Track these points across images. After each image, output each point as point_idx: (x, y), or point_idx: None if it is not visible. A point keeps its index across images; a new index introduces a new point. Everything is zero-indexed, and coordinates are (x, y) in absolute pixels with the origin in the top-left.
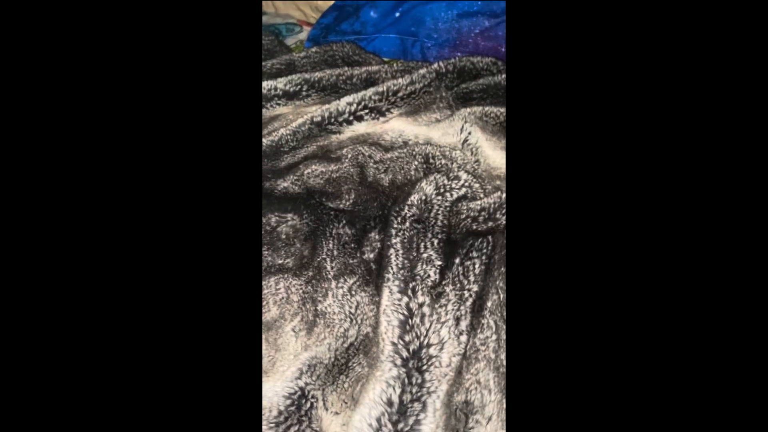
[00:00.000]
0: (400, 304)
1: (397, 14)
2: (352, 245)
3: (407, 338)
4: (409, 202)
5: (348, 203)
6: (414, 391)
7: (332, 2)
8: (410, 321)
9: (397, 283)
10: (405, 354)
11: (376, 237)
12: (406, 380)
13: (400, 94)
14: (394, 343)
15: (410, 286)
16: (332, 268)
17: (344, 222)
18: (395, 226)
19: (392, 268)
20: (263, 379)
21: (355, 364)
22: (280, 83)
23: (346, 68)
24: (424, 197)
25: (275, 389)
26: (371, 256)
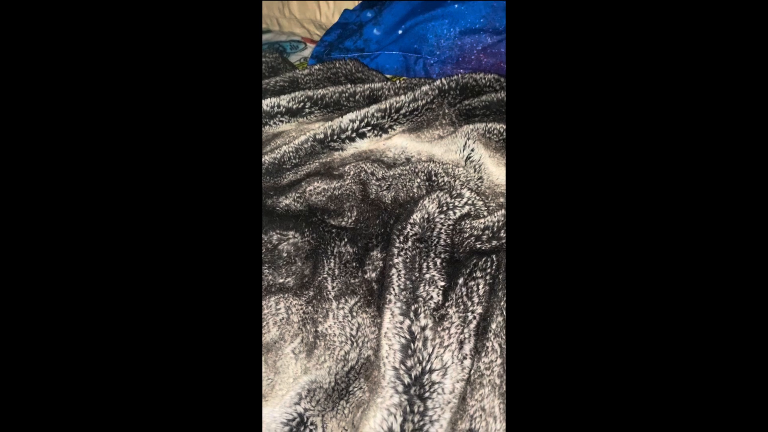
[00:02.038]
0: (401, 327)
1: (400, 31)
2: (354, 264)
3: (409, 363)
4: (411, 221)
5: (350, 221)
6: (416, 420)
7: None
8: (412, 345)
9: (398, 304)
10: (407, 380)
11: (378, 256)
12: (408, 408)
13: (402, 111)
14: (395, 368)
15: (412, 308)
16: (333, 287)
17: (346, 240)
18: (397, 245)
19: (394, 289)
20: (261, 404)
21: (355, 389)
22: (283, 100)
23: (349, 85)
24: (426, 215)
25: (273, 415)
26: (373, 275)
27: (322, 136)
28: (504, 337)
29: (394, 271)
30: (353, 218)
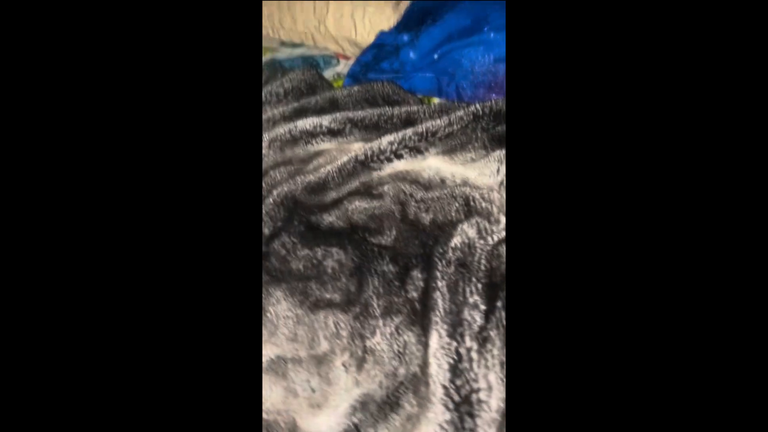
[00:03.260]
0: (449, 348)
1: (436, 56)
2: (397, 283)
3: (458, 382)
4: (452, 245)
5: (389, 240)
6: None
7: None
8: (460, 365)
9: (445, 326)
10: (456, 398)
11: (419, 276)
12: (459, 424)
13: (438, 135)
14: (445, 387)
15: (458, 330)
16: (379, 305)
17: (388, 259)
18: (440, 268)
19: (439, 312)
20: (315, 413)
21: (405, 403)
22: (325, 120)
23: (386, 108)
24: (467, 240)
25: (329, 424)
26: (415, 295)
27: (363, 157)
28: None
29: (438, 294)
30: (392, 237)
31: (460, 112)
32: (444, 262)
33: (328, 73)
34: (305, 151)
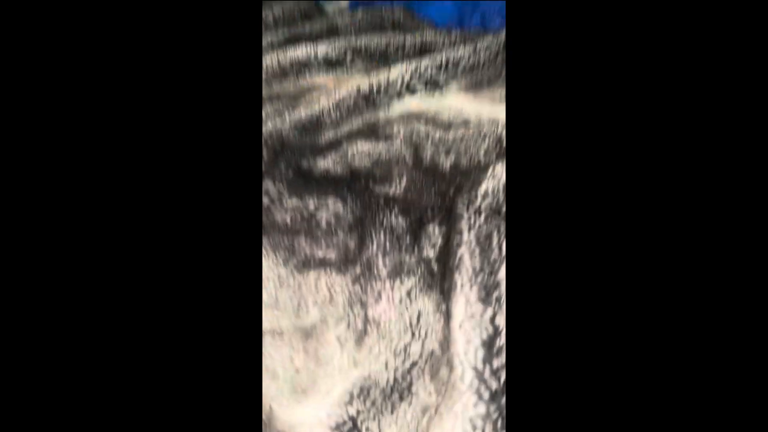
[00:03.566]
0: (482, 318)
1: None
2: (408, 239)
3: (495, 364)
4: (482, 191)
5: (399, 189)
6: None
7: None
8: (497, 341)
9: (475, 290)
10: (495, 386)
11: (436, 231)
12: (500, 422)
13: (461, 66)
14: (477, 369)
15: (493, 294)
16: (385, 265)
17: (397, 211)
18: (466, 219)
19: (467, 272)
20: (300, 400)
21: (419, 389)
22: (321, 49)
23: (397, 34)
24: (501, 185)
25: (319, 416)
26: (431, 253)
27: (367, 90)
28: None
29: (464, 249)
30: (403, 186)
31: (488, 40)
32: (471, 210)
33: (331, 8)
34: (296, 85)
